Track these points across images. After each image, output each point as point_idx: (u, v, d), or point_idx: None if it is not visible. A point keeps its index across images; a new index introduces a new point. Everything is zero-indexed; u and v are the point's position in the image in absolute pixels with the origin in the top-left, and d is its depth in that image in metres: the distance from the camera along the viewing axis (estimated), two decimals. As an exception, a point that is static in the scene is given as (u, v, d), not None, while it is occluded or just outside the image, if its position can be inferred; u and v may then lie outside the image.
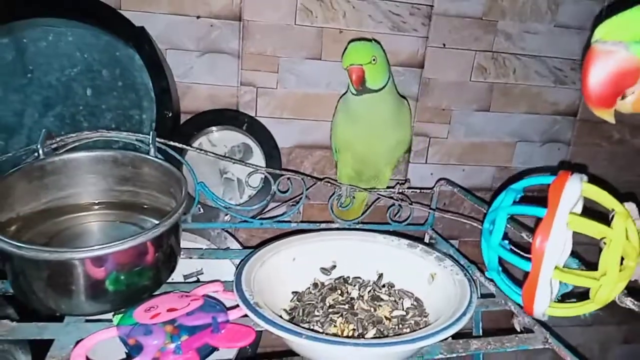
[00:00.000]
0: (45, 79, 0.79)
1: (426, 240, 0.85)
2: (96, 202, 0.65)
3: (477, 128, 1.04)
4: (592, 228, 0.44)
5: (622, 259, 0.45)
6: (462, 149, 1.05)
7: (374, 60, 0.74)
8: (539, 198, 0.45)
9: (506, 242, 0.53)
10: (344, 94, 0.84)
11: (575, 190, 0.44)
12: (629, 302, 0.45)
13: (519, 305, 0.59)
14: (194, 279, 0.87)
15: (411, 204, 0.81)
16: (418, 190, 0.85)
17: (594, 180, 0.47)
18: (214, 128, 0.90)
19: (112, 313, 0.54)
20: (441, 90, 1.00)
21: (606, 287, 0.44)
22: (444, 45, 0.97)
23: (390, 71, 0.80)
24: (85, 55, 0.80)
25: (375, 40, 0.84)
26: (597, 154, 1.12)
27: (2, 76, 0.78)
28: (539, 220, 0.46)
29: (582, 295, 0.51)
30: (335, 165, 0.94)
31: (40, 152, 0.62)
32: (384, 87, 0.77)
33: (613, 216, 0.45)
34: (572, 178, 0.45)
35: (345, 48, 0.77)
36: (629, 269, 0.44)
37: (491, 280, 0.57)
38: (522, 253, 0.49)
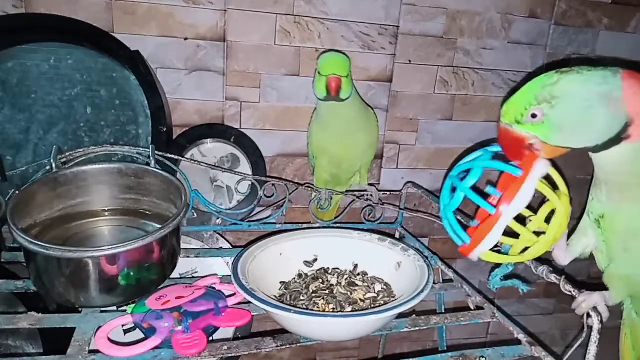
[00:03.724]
0: (48, 98, 0.86)
1: (397, 236, 0.95)
2: (104, 209, 0.73)
3: (442, 135, 1.14)
4: (549, 192, 0.54)
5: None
6: (429, 154, 1.15)
7: (348, 74, 0.81)
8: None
9: None
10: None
11: (546, 161, 0.53)
12: (553, 278, 0.56)
13: (471, 286, 0.69)
14: (190, 277, 0.95)
15: (382, 205, 0.91)
16: (388, 193, 0.95)
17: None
18: (206, 140, 0.98)
19: (119, 305, 0.62)
20: (408, 102, 1.10)
21: (540, 245, 0.54)
22: (410, 61, 1.07)
23: (353, 83, 0.87)
24: (85, 77, 0.88)
25: (344, 54, 0.90)
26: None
27: (8, 97, 0.84)
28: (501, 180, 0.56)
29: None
30: (312, 172, 1.02)
31: (54, 165, 0.70)
32: (349, 97, 0.83)
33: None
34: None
35: (320, 55, 0.84)
36: (556, 238, 0.55)
37: (445, 218, 0.60)
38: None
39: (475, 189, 0.57)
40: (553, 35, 1.13)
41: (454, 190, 0.59)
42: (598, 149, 0.48)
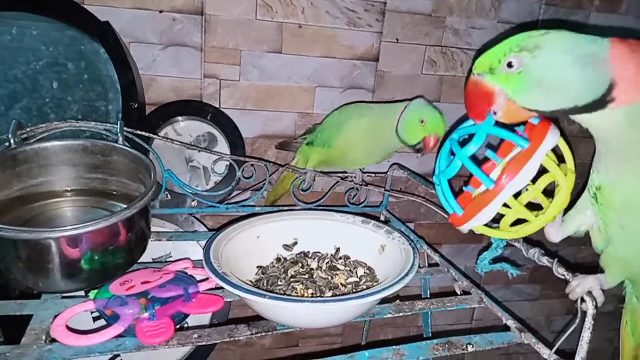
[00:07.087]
0: (11, 72, 0.81)
1: (382, 220, 0.92)
2: (68, 189, 0.68)
3: (429, 118, 1.11)
4: (554, 170, 0.50)
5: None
6: (415, 137, 1.12)
7: None
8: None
9: None
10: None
11: (556, 135, 0.50)
12: (545, 260, 0.53)
13: (458, 270, 0.66)
14: (164, 261, 0.91)
15: (366, 186, 0.87)
16: (373, 175, 0.91)
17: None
18: (179, 118, 0.93)
19: (87, 290, 0.58)
20: (395, 83, 1.06)
21: (539, 222, 0.51)
22: (397, 40, 1.03)
23: None
24: (51, 49, 0.82)
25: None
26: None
27: (-34, 70, 0.79)
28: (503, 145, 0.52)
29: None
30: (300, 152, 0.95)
31: (12, 141, 0.64)
32: None
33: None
34: (553, 126, 0.51)
35: (417, 102, 0.81)
36: (555, 216, 0.52)
37: (437, 184, 0.57)
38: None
39: (473, 157, 0.52)
40: (543, 15, 1.10)
41: (452, 153, 0.55)
42: (577, 111, 0.45)
